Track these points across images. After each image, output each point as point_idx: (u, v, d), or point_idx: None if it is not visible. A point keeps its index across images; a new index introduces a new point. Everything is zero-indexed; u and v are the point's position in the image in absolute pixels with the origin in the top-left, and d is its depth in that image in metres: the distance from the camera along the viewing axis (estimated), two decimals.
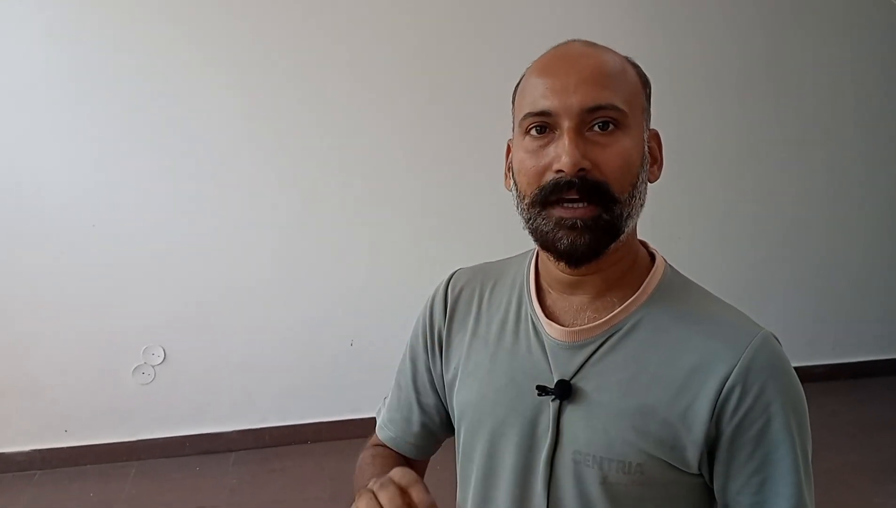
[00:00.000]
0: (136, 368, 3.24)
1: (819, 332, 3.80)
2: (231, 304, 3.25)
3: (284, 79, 3.13)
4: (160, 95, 3.06)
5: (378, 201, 3.28)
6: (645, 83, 0.93)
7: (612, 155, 0.83)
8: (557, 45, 0.90)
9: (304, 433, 3.27)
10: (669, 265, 0.97)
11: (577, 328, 0.90)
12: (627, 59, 0.92)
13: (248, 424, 3.31)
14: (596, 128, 0.83)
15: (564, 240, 0.83)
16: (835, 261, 3.77)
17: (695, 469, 0.87)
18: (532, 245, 0.96)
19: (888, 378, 3.81)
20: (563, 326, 0.91)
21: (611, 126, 0.84)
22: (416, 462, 1.12)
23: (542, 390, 0.89)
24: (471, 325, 1.00)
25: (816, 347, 3.80)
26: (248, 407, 3.30)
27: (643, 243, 0.97)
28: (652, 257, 0.97)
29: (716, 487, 0.89)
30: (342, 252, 3.27)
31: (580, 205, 0.82)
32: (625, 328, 0.89)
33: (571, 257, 0.85)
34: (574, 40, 0.91)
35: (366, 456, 1.10)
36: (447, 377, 1.03)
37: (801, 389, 0.87)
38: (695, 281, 0.97)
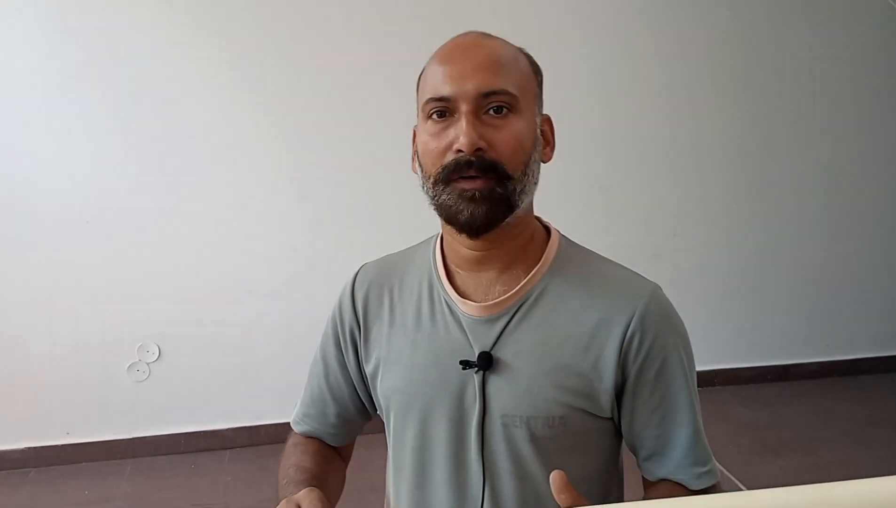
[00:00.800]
0: (130, 365, 3.23)
1: (814, 329, 3.81)
2: (226, 302, 3.25)
3: (277, 75, 3.13)
4: (154, 92, 3.06)
5: (373, 198, 3.27)
6: (537, 72, 0.99)
7: (506, 136, 0.91)
8: (455, 36, 0.97)
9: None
10: (563, 236, 1.05)
11: (490, 302, 0.97)
12: (521, 50, 0.99)
13: (243, 422, 3.31)
14: (491, 111, 0.91)
15: (465, 211, 0.91)
16: (830, 258, 3.78)
17: (608, 414, 0.98)
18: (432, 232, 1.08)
19: (883, 376, 3.82)
20: (475, 302, 0.98)
21: (504, 110, 0.91)
22: (340, 447, 1.17)
23: (466, 363, 0.96)
24: (386, 316, 1.05)
25: (811, 344, 3.81)
26: (243, 405, 3.30)
27: (538, 218, 1.04)
28: (547, 229, 1.05)
29: (623, 427, 1.00)
30: (337, 250, 3.26)
31: (480, 178, 0.90)
32: (533, 297, 0.97)
33: (472, 227, 0.92)
34: (471, 32, 0.97)
35: (289, 446, 1.14)
36: (368, 370, 1.07)
37: (686, 331, 1.01)
38: (587, 247, 1.07)
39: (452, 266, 1.02)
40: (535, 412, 0.94)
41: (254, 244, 3.23)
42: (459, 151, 0.89)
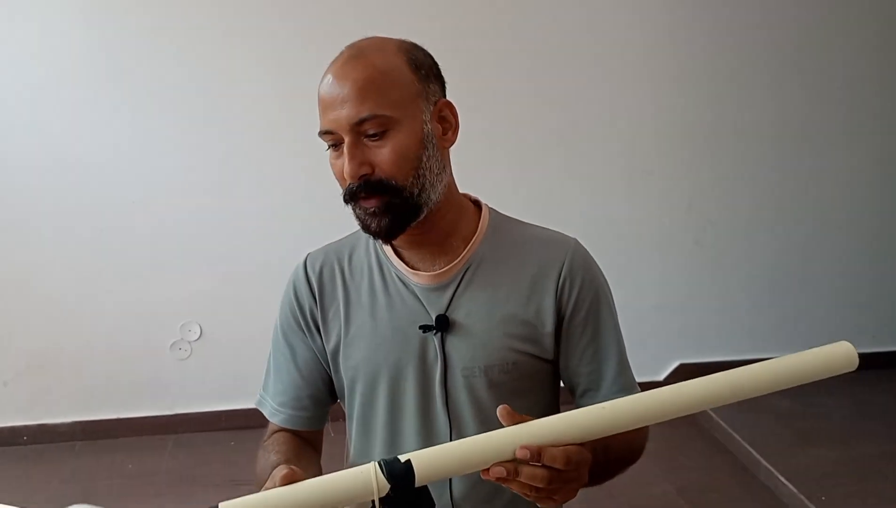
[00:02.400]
0: (173, 344, 3.30)
1: (859, 320, 3.73)
2: (265, 281, 3.26)
3: (322, 61, 3.15)
4: (199, 75, 3.11)
5: None
6: (419, 66, 1.03)
7: (387, 155, 0.99)
8: (335, 59, 1.04)
9: (337, 411, 3.29)
10: (492, 208, 1.17)
11: (438, 271, 1.09)
12: (400, 48, 1.03)
13: None
14: (370, 132, 0.98)
15: (372, 224, 1.02)
16: (878, 247, 3.68)
17: (551, 356, 1.12)
18: None
19: None
20: (424, 272, 1.09)
21: (380, 130, 0.98)
22: (314, 435, 1.23)
23: (425, 327, 1.08)
24: (340, 296, 1.14)
25: (855, 335, 3.68)
26: None
27: (466, 195, 1.16)
28: (477, 204, 1.17)
29: (561, 366, 1.14)
30: None
31: (372, 198, 1.00)
32: (475, 263, 1.10)
33: (380, 236, 1.04)
34: (344, 51, 1.04)
35: (262, 453, 1.15)
36: (329, 348, 1.15)
37: (603, 274, 1.15)
38: (513, 217, 1.19)
39: (396, 245, 1.12)
40: (491, 361, 1.07)
41: (294, 225, 3.25)
42: (347, 179, 1.00)
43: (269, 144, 3.20)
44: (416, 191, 1.01)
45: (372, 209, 1.00)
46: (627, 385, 1.13)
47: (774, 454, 2.93)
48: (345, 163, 0.99)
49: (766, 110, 3.47)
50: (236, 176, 3.21)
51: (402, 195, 1.00)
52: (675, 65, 3.37)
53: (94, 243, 3.17)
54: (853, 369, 0.88)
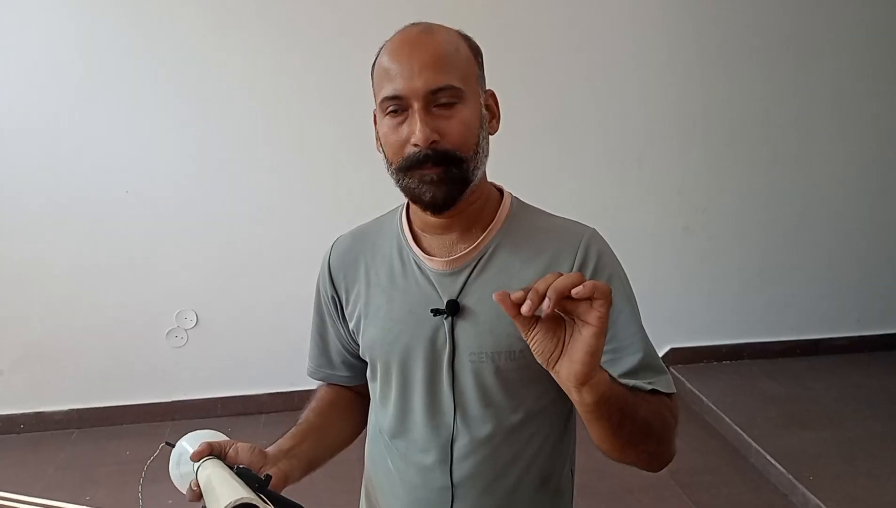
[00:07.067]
0: (169, 331, 3.32)
1: (844, 304, 3.79)
2: (262, 270, 3.31)
3: (317, 60, 3.16)
4: (193, 67, 3.11)
5: None
6: (476, 53, 1.09)
7: (455, 125, 1.01)
8: (401, 30, 1.06)
9: None
10: (515, 197, 1.18)
11: (454, 257, 1.11)
12: (460, 34, 1.07)
13: (279, 387, 3.40)
14: (442, 101, 1.00)
15: (427, 194, 1.02)
16: (862, 233, 3.75)
17: None
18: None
19: None
20: (440, 259, 1.11)
21: (451, 102, 1.01)
22: (360, 387, 1.30)
23: (436, 311, 1.09)
24: (362, 278, 1.19)
25: (841, 319, 3.79)
26: (278, 371, 3.38)
27: (492, 183, 1.17)
28: (500, 192, 1.18)
29: None
30: (370, 216, 3.31)
31: (438, 167, 1.01)
32: (490, 250, 1.11)
33: (435, 207, 1.04)
34: (416, 25, 1.06)
35: (308, 402, 1.28)
36: (352, 325, 1.21)
37: (621, 264, 1.13)
38: (537, 206, 1.19)
39: (418, 230, 1.15)
40: (498, 348, 1.07)
41: (289, 214, 3.29)
42: (416, 144, 1.00)
43: (264, 135, 3.21)
44: (471, 166, 1.04)
45: (432, 177, 1.01)
46: (647, 366, 1.07)
47: (763, 435, 2.99)
48: (416, 128, 0.99)
49: (755, 98, 3.50)
50: (231, 165, 3.22)
51: (462, 167, 1.02)
52: (664, 52, 3.39)
53: (90, 233, 3.18)
54: None
